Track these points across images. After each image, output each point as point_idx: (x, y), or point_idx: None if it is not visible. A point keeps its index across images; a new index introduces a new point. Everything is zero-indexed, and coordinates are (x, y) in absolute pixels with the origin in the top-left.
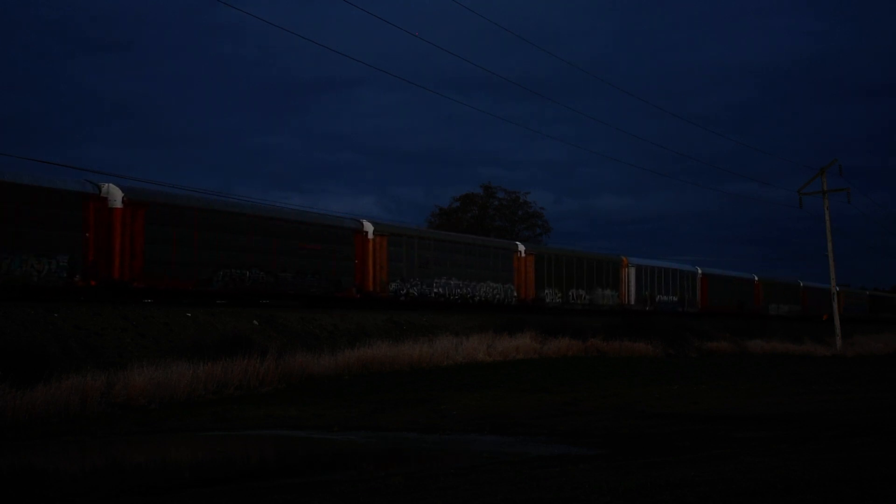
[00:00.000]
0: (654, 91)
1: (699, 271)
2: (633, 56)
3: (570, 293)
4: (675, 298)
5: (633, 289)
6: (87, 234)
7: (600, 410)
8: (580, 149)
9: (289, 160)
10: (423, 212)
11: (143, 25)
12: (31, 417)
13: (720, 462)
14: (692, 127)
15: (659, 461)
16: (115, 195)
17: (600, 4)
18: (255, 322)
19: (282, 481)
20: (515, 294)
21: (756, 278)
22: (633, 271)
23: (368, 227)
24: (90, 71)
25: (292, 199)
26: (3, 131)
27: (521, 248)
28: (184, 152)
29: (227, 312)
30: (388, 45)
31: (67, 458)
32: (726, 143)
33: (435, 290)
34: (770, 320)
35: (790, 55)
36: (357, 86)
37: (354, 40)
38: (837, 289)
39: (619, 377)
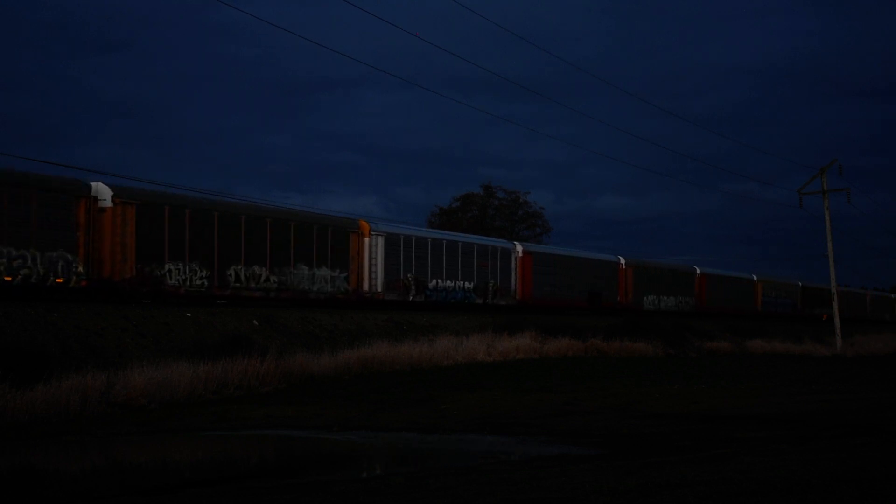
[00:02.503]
0: (654, 91)
1: (622, 260)
2: (632, 56)
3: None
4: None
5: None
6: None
7: (600, 410)
8: (580, 149)
9: (289, 160)
10: (423, 212)
11: (144, 25)
12: (31, 417)
13: (720, 462)
14: (692, 127)
15: (659, 461)
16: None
17: (600, 4)
18: (255, 322)
19: (282, 481)
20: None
21: (622, 262)
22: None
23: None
24: (90, 71)
25: (292, 199)
26: (3, 131)
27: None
28: (184, 152)
29: (227, 312)
30: (389, 45)
31: (67, 458)
32: (726, 143)
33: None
34: (645, 316)
35: (790, 55)
36: (357, 86)
37: (355, 40)
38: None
39: (619, 377)
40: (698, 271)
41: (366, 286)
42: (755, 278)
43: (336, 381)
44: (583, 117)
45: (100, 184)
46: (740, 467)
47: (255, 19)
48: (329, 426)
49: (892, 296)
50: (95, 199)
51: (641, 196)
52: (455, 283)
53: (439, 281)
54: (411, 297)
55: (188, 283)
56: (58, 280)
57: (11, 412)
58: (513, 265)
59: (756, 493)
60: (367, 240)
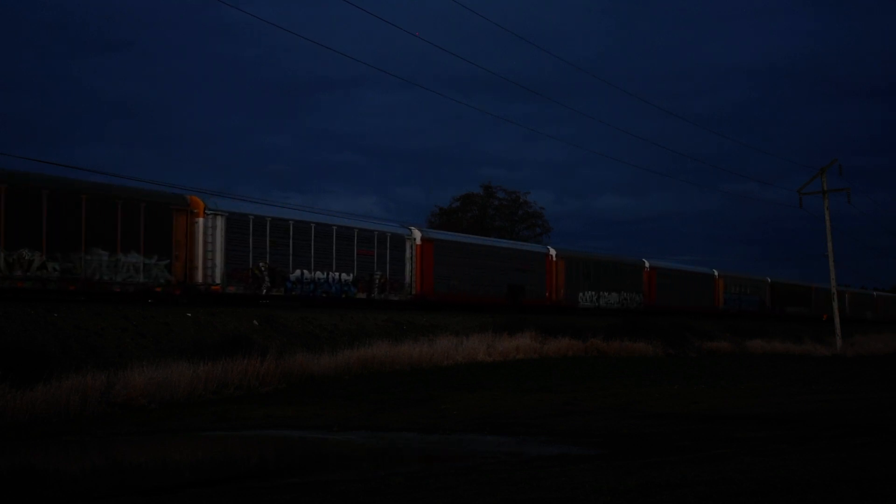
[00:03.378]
0: (654, 91)
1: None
2: (632, 56)
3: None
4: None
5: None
6: None
7: (600, 410)
8: (580, 149)
9: (289, 160)
10: (423, 212)
11: (144, 25)
12: (31, 417)
13: (720, 462)
14: (692, 127)
15: (659, 461)
16: None
17: (600, 4)
18: (255, 322)
19: (282, 481)
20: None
21: (552, 252)
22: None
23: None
24: (91, 71)
25: (292, 200)
26: (3, 131)
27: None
28: (184, 152)
29: (227, 312)
30: (389, 45)
31: (67, 458)
32: (726, 143)
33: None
34: (579, 315)
35: (790, 55)
36: (357, 86)
37: (355, 40)
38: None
39: (619, 377)
40: (647, 264)
41: (199, 277)
42: (716, 273)
43: (336, 381)
44: (583, 117)
45: None
46: (740, 467)
47: (256, 19)
48: (329, 426)
49: (874, 294)
50: None
51: (641, 196)
52: (328, 275)
53: (305, 272)
54: (265, 291)
55: None
56: None
57: (11, 412)
58: (408, 254)
59: (756, 493)
60: (200, 220)
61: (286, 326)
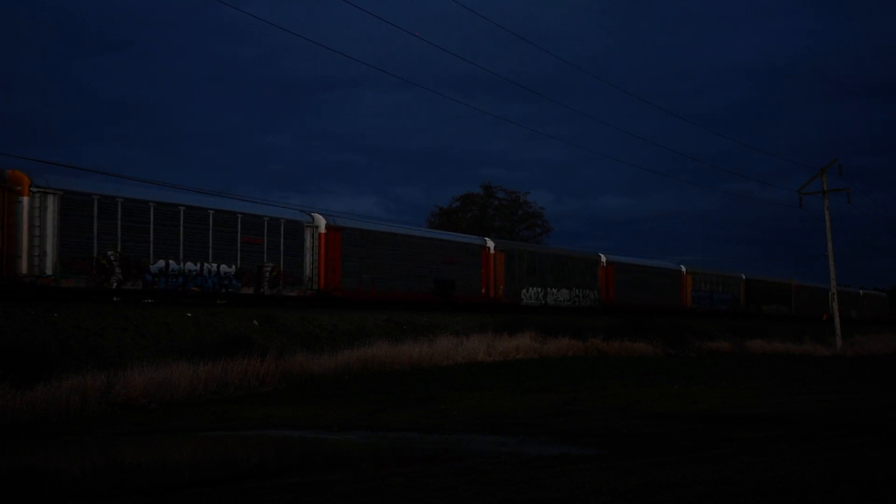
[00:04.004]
0: (654, 91)
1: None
2: (632, 56)
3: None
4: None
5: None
6: None
7: (600, 410)
8: (580, 149)
9: (289, 160)
10: (423, 212)
11: (144, 25)
12: (31, 417)
13: (720, 462)
14: (692, 127)
15: (659, 461)
16: None
17: (600, 4)
18: (255, 322)
19: (282, 481)
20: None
21: (490, 245)
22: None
23: None
24: (91, 71)
25: (292, 200)
26: (3, 131)
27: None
28: (184, 152)
29: (227, 312)
30: (389, 45)
31: (67, 458)
32: (726, 143)
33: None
34: (525, 312)
35: (790, 55)
36: (358, 86)
37: (355, 40)
38: (743, 275)
39: (619, 377)
40: (604, 259)
41: (23, 267)
42: (683, 269)
43: (336, 381)
44: (582, 117)
45: None
46: (740, 467)
47: (256, 19)
48: (329, 426)
49: (860, 292)
50: None
51: (641, 196)
52: (202, 266)
53: (172, 262)
54: (115, 285)
55: None
56: None
57: (11, 412)
58: (308, 244)
59: (756, 493)
60: (24, 200)
61: (286, 326)
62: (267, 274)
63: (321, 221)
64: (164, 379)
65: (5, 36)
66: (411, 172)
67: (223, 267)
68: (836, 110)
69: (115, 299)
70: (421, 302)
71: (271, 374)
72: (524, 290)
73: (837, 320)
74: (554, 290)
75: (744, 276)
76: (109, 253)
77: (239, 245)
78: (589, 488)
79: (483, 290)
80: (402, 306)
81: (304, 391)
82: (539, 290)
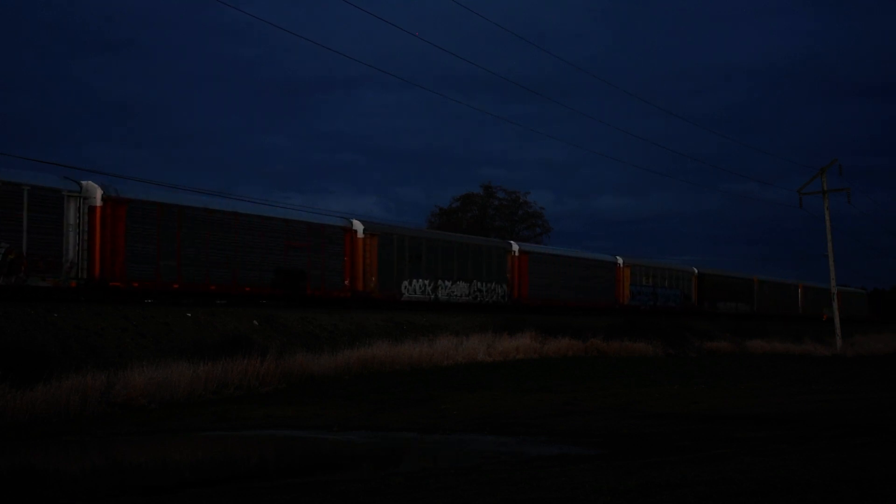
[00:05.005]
0: (654, 91)
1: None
2: (632, 56)
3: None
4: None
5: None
6: None
7: (600, 410)
8: (580, 149)
9: (289, 160)
10: (423, 212)
11: (144, 25)
12: (31, 417)
13: (720, 462)
14: (692, 127)
15: (659, 461)
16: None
17: (600, 4)
18: (255, 322)
19: (282, 481)
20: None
21: (358, 228)
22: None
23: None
24: (91, 71)
25: (292, 200)
26: (3, 131)
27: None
28: (184, 152)
29: (227, 312)
30: (389, 45)
31: (67, 458)
32: (726, 143)
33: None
34: (406, 308)
35: (790, 55)
36: (358, 86)
37: (355, 40)
38: (696, 269)
39: (619, 377)
40: (515, 248)
41: None
42: (619, 261)
43: (336, 381)
44: (582, 117)
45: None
46: (740, 467)
47: (256, 19)
48: (329, 426)
49: (836, 289)
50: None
51: (641, 196)
52: None
53: None
54: None
55: None
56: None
57: (11, 412)
58: (71, 221)
59: (756, 493)
60: None
61: (286, 326)
62: (4, 258)
63: (96, 192)
64: (164, 379)
65: (5, 36)
66: (411, 172)
67: None
68: (836, 110)
69: None
70: (254, 295)
71: (271, 374)
72: (405, 283)
73: (837, 321)
74: (447, 283)
75: (696, 270)
76: None
77: None
78: (589, 488)
79: (347, 282)
80: (228, 300)
81: (304, 391)
82: (426, 282)
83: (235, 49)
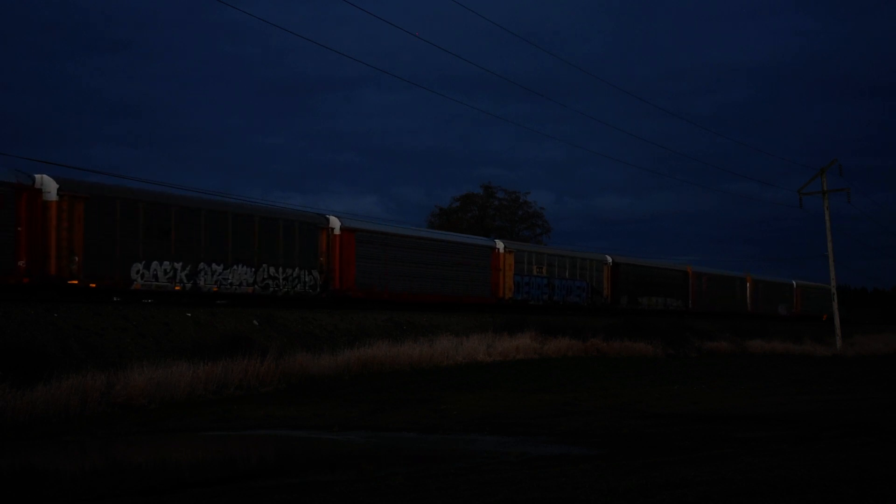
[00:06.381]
0: (654, 91)
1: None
2: (632, 56)
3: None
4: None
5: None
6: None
7: (600, 410)
8: (580, 149)
9: (289, 160)
10: (423, 212)
11: (145, 25)
12: (31, 417)
13: (720, 462)
14: (692, 127)
15: (659, 461)
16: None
17: (600, 4)
18: (255, 322)
19: (282, 481)
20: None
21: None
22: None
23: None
24: (91, 71)
25: (293, 200)
26: (3, 131)
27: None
28: (185, 152)
29: (227, 312)
30: (389, 46)
31: (67, 458)
32: (726, 143)
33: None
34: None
35: (790, 55)
36: (358, 86)
37: (356, 40)
38: (610, 258)
39: (619, 377)
40: (336, 224)
41: None
42: (500, 246)
43: (336, 382)
44: (582, 117)
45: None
46: (740, 467)
47: (256, 19)
48: (329, 426)
49: (793, 283)
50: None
51: (641, 196)
52: None
53: None
54: None
55: None
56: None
57: (11, 412)
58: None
59: (756, 493)
60: None
61: (286, 326)
62: None
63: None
64: (163, 379)
65: (5, 36)
66: (411, 172)
67: None
68: (836, 110)
69: None
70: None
71: (271, 375)
72: (134, 266)
73: (837, 321)
74: (217, 268)
75: (610, 259)
76: None
77: None
78: (589, 488)
79: (21, 264)
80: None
81: (304, 391)
82: (178, 265)
83: (236, 49)
